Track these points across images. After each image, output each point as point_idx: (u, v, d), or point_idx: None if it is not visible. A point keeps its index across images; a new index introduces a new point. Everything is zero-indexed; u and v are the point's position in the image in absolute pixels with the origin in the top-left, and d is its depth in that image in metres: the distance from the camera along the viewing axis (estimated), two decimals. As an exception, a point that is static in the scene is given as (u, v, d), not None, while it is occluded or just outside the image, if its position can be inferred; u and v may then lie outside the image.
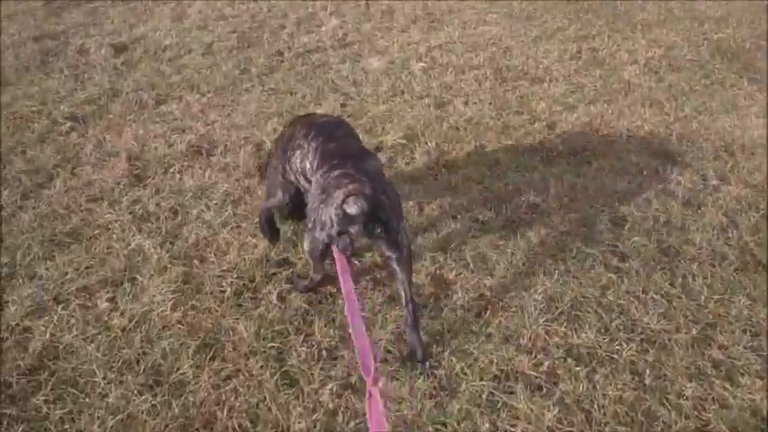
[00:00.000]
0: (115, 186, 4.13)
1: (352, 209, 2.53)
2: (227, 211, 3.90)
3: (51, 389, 2.76)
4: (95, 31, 6.80)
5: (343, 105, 5.43)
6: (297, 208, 3.21)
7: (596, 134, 5.14)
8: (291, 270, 3.43)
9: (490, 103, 5.64)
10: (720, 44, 7.23)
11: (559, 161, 4.72)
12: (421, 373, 2.82)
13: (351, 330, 2.23)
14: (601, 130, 5.19)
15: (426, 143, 4.88)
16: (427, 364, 2.85)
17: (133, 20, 7.20)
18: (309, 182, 2.96)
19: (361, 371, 2.03)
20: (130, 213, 3.85)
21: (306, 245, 2.89)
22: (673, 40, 7.33)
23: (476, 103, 5.60)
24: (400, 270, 2.82)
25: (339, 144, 2.96)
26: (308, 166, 2.97)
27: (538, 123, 5.28)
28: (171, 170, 4.34)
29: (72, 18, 7.13)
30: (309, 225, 2.81)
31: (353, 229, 2.58)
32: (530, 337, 3.12)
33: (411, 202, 4.09)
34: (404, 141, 4.88)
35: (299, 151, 3.05)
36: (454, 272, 3.51)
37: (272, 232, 3.45)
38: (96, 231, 3.71)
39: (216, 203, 3.99)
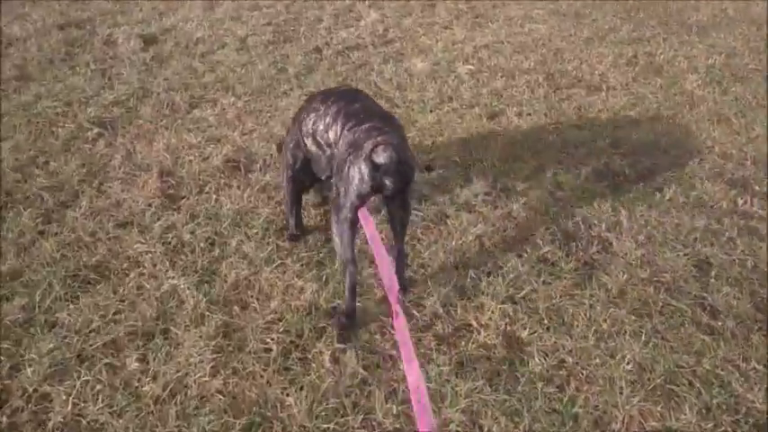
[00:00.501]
0: (146, 209, 3.66)
1: (380, 158, 2.46)
2: (269, 243, 3.42)
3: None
4: (123, 19, 6.28)
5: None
6: (306, 174, 3.24)
7: (664, 155, 4.60)
8: (333, 306, 3.03)
9: (545, 115, 5.10)
10: (784, 52, 6.60)
11: (628, 187, 4.19)
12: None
13: (377, 262, 2.43)
14: (669, 151, 4.65)
15: (482, 162, 4.35)
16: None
17: (162, 8, 6.68)
18: (317, 143, 2.98)
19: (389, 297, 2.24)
20: (163, 244, 3.37)
21: (335, 227, 2.76)
22: (732, 45, 6.72)
23: (530, 114, 5.06)
24: (400, 228, 2.86)
25: (363, 105, 2.91)
26: (320, 127, 2.92)
27: (600, 140, 4.73)
28: (206, 189, 3.87)
29: (99, 5, 6.61)
30: (335, 195, 2.75)
31: (389, 181, 2.53)
32: (623, 421, 2.62)
33: (471, 237, 3.58)
34: (457, 159, 4.35)
35: (313, 114, 2.99)
36: (528, 329, 3.02)
37: (297, 214, 3.40)
38: (125, 265, 3.24)
39: (257, 233, 3.51)
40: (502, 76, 5.72)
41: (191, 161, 4.13)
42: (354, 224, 2.70)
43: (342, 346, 2.78)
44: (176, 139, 4.37)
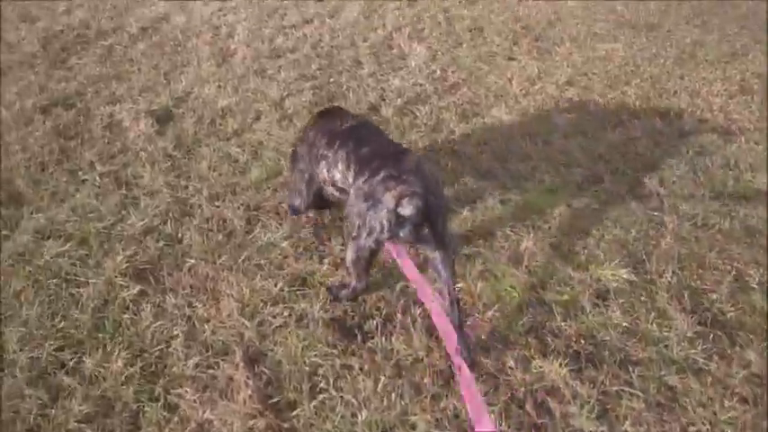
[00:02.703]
0: (249, 445, 2.32)
1: (406, 210, 2.40)
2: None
3: None
4: (121, 89, 4.85)
5: (502, 204, 3.63)
6: (319, 200, 3.20)
7: None
8: (330, 282, 2.94)
9: (697, 182, 3.86)
10: None
11: None
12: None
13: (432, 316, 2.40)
14: None
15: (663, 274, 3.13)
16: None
17: (166, 66, 5.23)
18: (340, 190, 2.87)
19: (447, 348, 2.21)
20: None
21: (349, 255, 2.67)
22: None
23: (690, 197, 3.81)
24: (444, 269, 2.61)
25: (372, 147, 2.73)
26: (337, 175, 2.82)
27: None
28: (320, 383, 2.55)
29: (85, 70, 5.12)
30: (354, 233, 2.61)
31: (403, 233, 2.47)
32: None
33: None
34: (625, 287, 3.12)
35: (323, 162, 2.89)
36: None
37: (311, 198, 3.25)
38: None
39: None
40: (613, 126, 4.47)
41: (281, 327, 2.81)
42: (369, 262, 2.67)
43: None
44: (248, 286, 3.03)
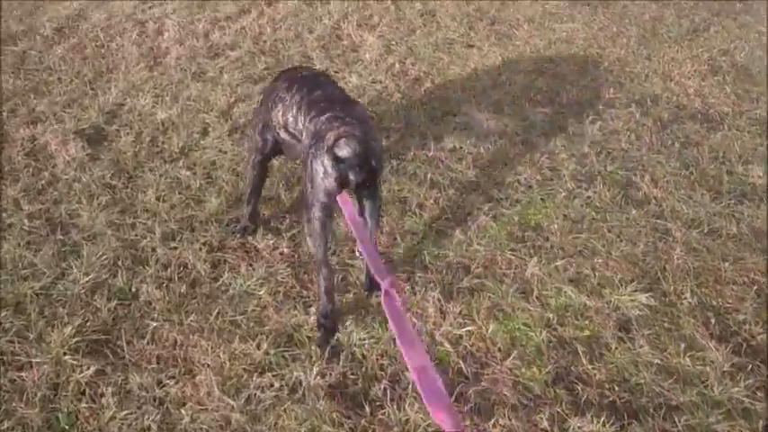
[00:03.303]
0: None
1: (342, 151, 2.34)
2: None
3: None
4: (42, 103, 4.20)
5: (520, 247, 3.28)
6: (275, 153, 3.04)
7: None
8: None
9: (691, 180, 3.62)
10: None
11: None
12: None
13: (360, 246, 2.17)
14: None
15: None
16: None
17: (89, 73, 4.58)
18: (290, 134, 2.78)
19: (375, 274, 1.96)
20: None
21: (305, 227, 2.61)
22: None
23: (688, 199, 3.55)
24: (371, 219, 2.61)
25: (324, 92, 2.70)
26: (290, 118, 2.73)
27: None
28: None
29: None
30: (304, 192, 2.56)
31: (353, 174, 2.38)
32: None
33: None
34: (646, 314, 2.83)
35: (280, 104, 2.80)
36: None
37: (255, 204, 3.15)
38: None
39: None
40: (592, 120, 4.16)
41: (273, 405, 2.38)
42: (326, 224, 2.52)
43: (324, 348, 2.56)
44: (225, 352, 2.58)
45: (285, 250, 3.08)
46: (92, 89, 4.36)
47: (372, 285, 2.75)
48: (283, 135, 2.84)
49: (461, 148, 3.92)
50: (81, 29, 5.18)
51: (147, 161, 3.71)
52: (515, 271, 3.01)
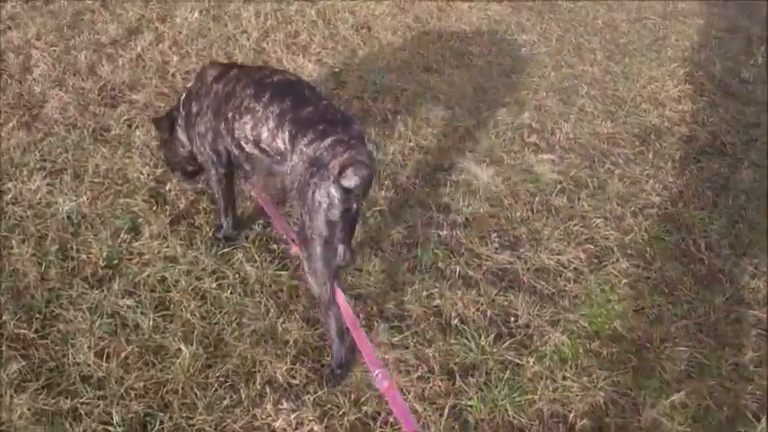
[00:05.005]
0: None
1: (351, 181, 2.08)
2: None
3: None
4: None
5: None
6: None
7: None
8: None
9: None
10: None
11: None
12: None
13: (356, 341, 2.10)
14: None
15: None
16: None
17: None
18: (262, 150, 2.39)
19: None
20: None
21: (306, 265, 2.29)
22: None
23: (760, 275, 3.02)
24: (350, 238, 2.46)
25: (316, 108, 2.30)
26: (264, 134, 2.34)
27: None
28: None
29: None
30: (300, 227, 2.31)
31: (356, 203, 2.22)
32: None
33: None
34: None
35: (248, 116, 2.38)
36: None
37: (234, 212, 2.84)
38: None
39: None
40: (607, 170, 3.53)
41: None
42: (330, 260, 2.25)
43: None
44: None
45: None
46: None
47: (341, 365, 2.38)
48: (250, 150, 2.46)
49: (472, 217, 3.10)
50: None
51: (64, 287, 2.54)
52: (624, 419, 2.27)
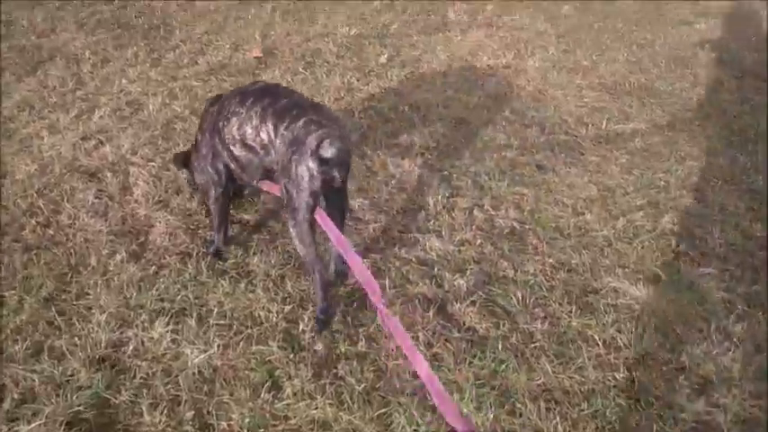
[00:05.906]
0: None
1: (327, 152, 2.42)
2: None
3: None
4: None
5: None
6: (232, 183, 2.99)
7: None
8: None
9: None
10: None
11: None
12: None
13: (352, 266, 2.32)
14: None
15: None
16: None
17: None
18: (248, 147, 2.70)
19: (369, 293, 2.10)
20: None
21: (293, 231, 2.64)
22: None
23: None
24: (341, 219, 2.76)
25: (290, 100, 2.67)
26: (248, 130, 2.66)
27: None
28: None
29: None
30: (286, 198, 2.60)
31: (337, 172, 2.51)
32: None
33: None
34: None
35: (234, 118, 2.71)
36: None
37: (226, 230, 3.14)
38: None
39: None
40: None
41: None
42: (313, 224, 2.58)
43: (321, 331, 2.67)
44: None
45: None
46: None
47: (339, 274, 2.94)
48: (238, 152, 2.74)
49: (644, 351, 2.69)
50: None
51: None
52: None
